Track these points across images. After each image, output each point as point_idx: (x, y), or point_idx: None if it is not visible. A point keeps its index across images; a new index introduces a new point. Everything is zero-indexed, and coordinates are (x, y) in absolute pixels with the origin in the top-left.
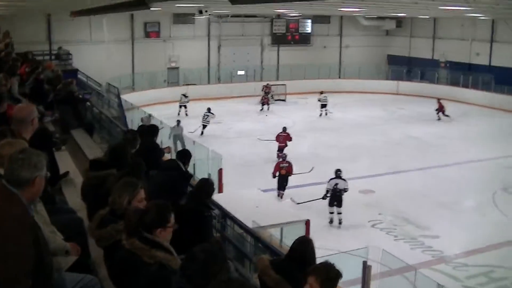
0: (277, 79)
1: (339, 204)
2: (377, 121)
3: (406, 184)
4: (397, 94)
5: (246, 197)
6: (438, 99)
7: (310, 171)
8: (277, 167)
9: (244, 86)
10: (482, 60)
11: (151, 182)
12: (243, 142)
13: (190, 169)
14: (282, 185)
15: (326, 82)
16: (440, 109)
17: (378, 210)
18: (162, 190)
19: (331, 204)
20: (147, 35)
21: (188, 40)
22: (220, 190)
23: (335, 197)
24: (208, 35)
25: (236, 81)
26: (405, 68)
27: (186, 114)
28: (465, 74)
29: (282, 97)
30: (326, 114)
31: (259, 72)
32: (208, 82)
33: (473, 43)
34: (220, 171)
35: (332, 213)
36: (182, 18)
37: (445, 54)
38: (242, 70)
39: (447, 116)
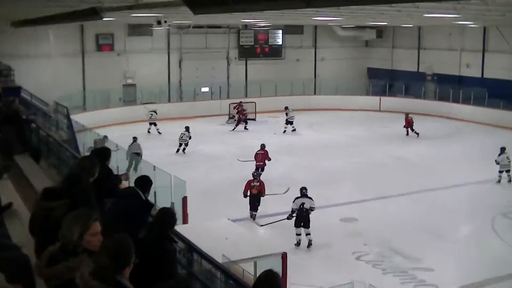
0: (246, 96)
1: (306, 225)
2: (358, 141)
3: (393, 210)
4: (379, 111)
5: (214, 228)
6: (406, 114)
7: (286, 192)
8: (248, 186)
9: (209, 105)
10: (474, 72)
11: (107, 213)
12: (210, 166)
13: (150, 197)
14: (254, 205)
15: (300, 99)
16: (408, 125)
17: (363, 240)
18: (119, 221)
19: (297, 225)
20: (99, 48)
21: (145, 54)
22: (185, 221)
23: (301, 217)
24: (168, 48)
25: (200, 99)
26: (387, 82)
27: (159, 132)
28: (454, 88)
29: (251, 116)
30: (293, 130)
31: (226, 88)
32: (169, 101)
33: (462, 53)
34: (184, 200)
35: (299, 234)
36: (139, 29)
37: (432, 66)
38: (207, 87)
39: (416, 133)
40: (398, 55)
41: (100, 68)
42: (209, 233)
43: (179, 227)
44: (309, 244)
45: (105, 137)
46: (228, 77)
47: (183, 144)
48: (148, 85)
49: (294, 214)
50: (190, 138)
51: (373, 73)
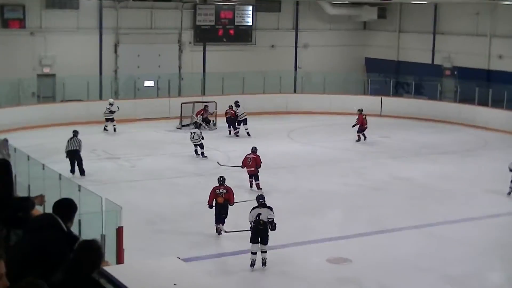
0: (203, 93)
1: (264, 240)
2: (351, 155)
3: (394, 249)
4: (379, 115)
5: (159, 270)
6: (360, 111)
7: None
8: (213, 194)
9: (155, 104)
10: (508, 66)
11: (14, 249)
12: (154, 186)
13: (74, 228)
14: (220, 217)
15: (276, 98)
16: (360, 124)
17: (356, 287)
18: (31, 260)
19: (253, 241)
20: (5, 24)
21: (68, 34)
22: (120, 259)
23: (257, 231)
24: (100, 27)
25: (142, 96)
26: (391, 78)
27: (115, 130)
28: (481, 86)
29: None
30: (248, 134)
31: (176, 83)
32: (100, 98)
33: (493, 40)
34: (119, 231)
35: (254, 253)
36: (59, 0)
37: (451, 58)
38: (151, 80)
39: (362, 135)
40: (406, 41)
41: (6, 51)
42: (152, 277)
43: (111, 268)
44: (264, 263)
45: (5, 140)
46: (180, 68)
47: (198, 146)
48: (72, 76)
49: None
50: (202, 138)
51: (372, 66)
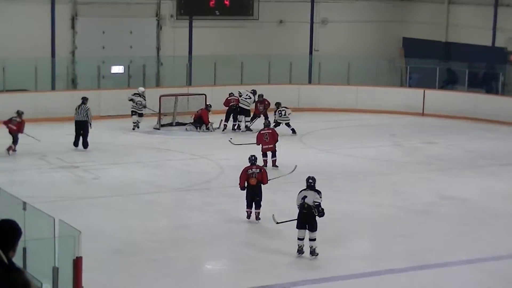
0: (189, 82)
1: (312, 227)
2: (385, 166)
3: None
4: (421, 114)
5: None
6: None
7: (292, 171)
8: (244, 176)
9: (125, 97)
10: None
11: None
12: (124, 205)
13: (17, 258)
14: (252, 200)
15: (285, 90)
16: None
17: None
18: None
19: (299, 226)
20: None
21: (11, 3)
22: None
23: (302, 216)
24: None
25: (108, 86)
26: (438, 65)
27: (136, 126)
28: None
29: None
30: (247, 127)
31: (154, 69)
32: (52, 87)
33: None
34: (77, 263)
35: (301, 239)
36: None
37: None
38: (121, 65)
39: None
40: (458, 16)
41: None
42: None
43: None
44: (313, 253)
45: None
46: (158, 50)
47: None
48: (16, 59)
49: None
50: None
51: (413, 48)
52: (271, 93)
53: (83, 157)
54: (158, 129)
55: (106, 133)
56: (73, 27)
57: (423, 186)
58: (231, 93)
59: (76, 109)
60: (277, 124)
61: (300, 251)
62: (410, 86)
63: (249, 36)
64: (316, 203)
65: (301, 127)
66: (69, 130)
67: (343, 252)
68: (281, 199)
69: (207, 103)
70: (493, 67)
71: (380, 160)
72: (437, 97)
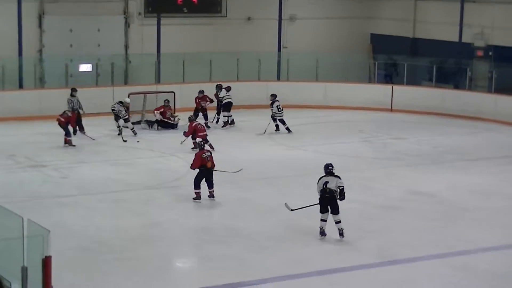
0: (157, 81)
1: (336, 210)
2: (354, 163)
3: (410, 285)
4: (390, 110)
5: None
6: (273, 96)
7: (238, 171)
8: (199, 159)
9: (93, 95)
10: None
11: None
12: (92, 204)
13: None
14: (206, 181)
15: (253, 87)
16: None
17: None
18: None
19: (322, 211)
20: None
21: None
22: None
23: (325, 201)
24: None
25: (76, 84)
26: (406, 61)
27: (124, 140)
28: None
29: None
30: (229, 122)
31: (122, 66)
32: (20, 86)
33: None
34: (46, 262)
35: (324, 220)
36: None
37: (486, 34)
38: (88, 64)
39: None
40: (425, 12)
41: None
42: None
43: None
44: (342, 234)
45: None
46: (126, 48)
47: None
48: None
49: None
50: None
51: (381, 44)
52: (240, 89)
53: (51, 156)
54: (127, 127)
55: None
56: (40, 25)
57: (392, 182)
58: (201, 90)
59: (68, 102)
60: (273, 119)
61: (323, 233)
62: (378, 82)
63: (218, 33)
64: (340, 187)
65: (270, 124)
66: (38, 129)
67: (313, 249)
68: (256, 196)
69: (166, 99)
70: (460, 63)
71: (349, 156)
72: (405, 93)
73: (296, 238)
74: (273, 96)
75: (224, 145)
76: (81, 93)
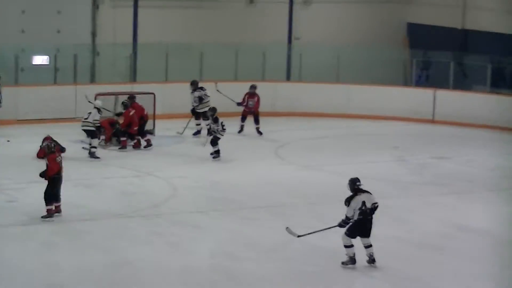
0: (133, 78)
1: (367, 233)
2: (384, 187)
3: None
4: (432, 121)
5: None
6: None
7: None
8: (54, 163)
9: (50, 96)
10: None
11: None
12: (49, 236)
13: None
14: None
15: (258, 88)
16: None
17: None
18: None
19: (354, 236)
20: None
21: None
22: None
23: (365, 223)
24: None
25: (28, 82)
26: (451, 59)
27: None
28: None
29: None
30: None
31: (88, 60)
32: None
33: None
34: None
35: (350, 246)
36: None
37: None
38: (44, 55)
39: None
40: None
41: None
42: None
43: None
44: (373, 260)
45: None
46: (93, 35)
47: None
48: None
49: (353, 219)
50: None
51: (420, 38)
52: (239, 91)
53: None
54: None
55: (25, 143)
56: None
57: (432, 213)
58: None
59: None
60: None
61: (353, 260)
62: (416, 85)
63: (211, 19)
64: (375, 205)
65: (277, 136)
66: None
67: None
68: (256, 228)
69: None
70: None
71: (377, 180)
72: (451, 99)
73: (304, 281)
74: (213, 110)
75: (219, 166)
76: (35, 92)
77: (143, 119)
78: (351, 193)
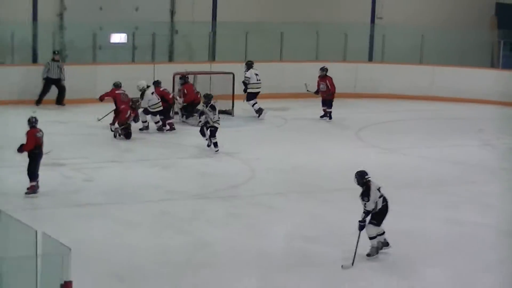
0: (212, 58)
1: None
2: (469, 172)
3: None
4: None
5: None
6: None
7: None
8: (34, 139)
9: (128, 74)
10: None
11: None
12: (125, 215)
13: None
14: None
15: (339, 69)
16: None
17: None
18: None
19: (380, 222)
20: None
21: None
22: None
23: (385, 209)
24: None
25: (106, 60)
26: None
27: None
28: None
29: (223, 105)
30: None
31: (167, 38)
32: (34, 60)
33: None
34: None
35: (377, 236)
36: None
37: None
38: (122, 33)
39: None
40: None
41: None
42: None
43: None
44: (386, 243)
45: None
46: (172, 13)
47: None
48: None
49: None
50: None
51: (509, 18)
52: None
53: (71, 152)
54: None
55: (103, 122)
56: None
57: None
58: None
59: (46, 65)
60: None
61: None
62: (503, 67)
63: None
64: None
65: (359, 119)
66: (54, 116)
67: (412, 284)
68: (335, 212)
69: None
70: None
71: (463, 164)
72: None
73: (388, 268)
74: (208, 97)
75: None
76: (114, 71)
77: (167, 102)
78: (362, 187)
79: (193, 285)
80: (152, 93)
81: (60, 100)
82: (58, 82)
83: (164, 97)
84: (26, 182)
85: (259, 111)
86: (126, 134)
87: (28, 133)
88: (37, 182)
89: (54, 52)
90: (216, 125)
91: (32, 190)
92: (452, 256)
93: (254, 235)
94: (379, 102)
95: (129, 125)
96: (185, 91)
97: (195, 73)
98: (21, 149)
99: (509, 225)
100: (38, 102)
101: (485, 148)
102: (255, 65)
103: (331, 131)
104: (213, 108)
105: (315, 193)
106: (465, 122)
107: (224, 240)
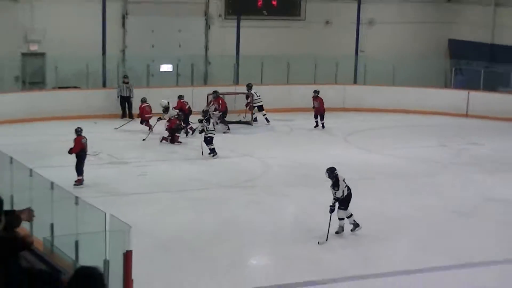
0: (236, 82)
1: (348, 205)
2: (429, 167)
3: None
4: (466, 116)
5: None
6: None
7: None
8: (80, 144)
9: (173, 94)
10: None
11: None
12: (170, 201)
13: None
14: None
15: (330, 90)
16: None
17: None
18: None
19: (347, 207)
20: None
21: (63, 1)
22: None
23: (350, 195)
24: None
25: (157, 84)
26: (483, 66)
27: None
28: None
29: (244, 117)
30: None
31: (202, 67)
32: (103, 85)
33: None
34: (127, 256)
35: (344, 218)
36: None
37: None
38: (169, 64)
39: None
40: (505, 18)
41: None
42: None
43: None
44: (356, 224)
45: None
46: (206, 49)
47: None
48: (67, 56)
49: (344, 194)
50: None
51: (459, 50)
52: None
53: (132, 154)
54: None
55: (156, 130)
56: (123, 25)
57: (467, 187)
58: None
59: (118, 87)
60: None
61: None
62: (455, 87)
63: (296, 36)
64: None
65: (346, 127)
66: (112, 134)
67: (385, 250)
68: (327, 197)
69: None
70: None
71: (423, 161)
72: (482, 98)
73: (368, 238)
74: (206, 113)
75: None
76: (162, 93)
77: (184, 113)
78: (332, 180)
79: (221, 253)
80: (173, 108)
81: (129, 114)
82: (128, 100)
83: (182, 107)
84: (99, 177)
85: (267, 120)
86: (171, 139)
87: (75, 140)
88: (83, 176)
89: (124, 77)
90: (210, 134)
91: (79, 182)
92: (412, 229)
93: (269, 216)
94: (362, 114)
95: (176, 132)
96: (220, 101)
97: (224, 94)
98: (70, 151)
99: (456, 206)
100: (123, 115)
101: (441, 149)
102: (269, 87)
103: (326, 137)
104: (208, 120)
105: (315, 183)
106: (427, 128)
107: (245, 220)
